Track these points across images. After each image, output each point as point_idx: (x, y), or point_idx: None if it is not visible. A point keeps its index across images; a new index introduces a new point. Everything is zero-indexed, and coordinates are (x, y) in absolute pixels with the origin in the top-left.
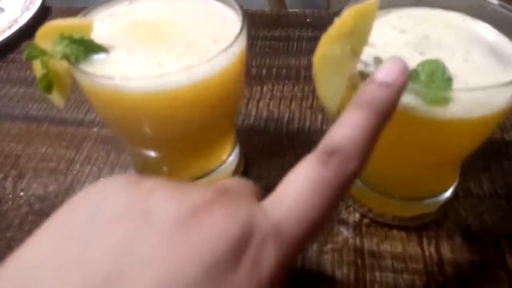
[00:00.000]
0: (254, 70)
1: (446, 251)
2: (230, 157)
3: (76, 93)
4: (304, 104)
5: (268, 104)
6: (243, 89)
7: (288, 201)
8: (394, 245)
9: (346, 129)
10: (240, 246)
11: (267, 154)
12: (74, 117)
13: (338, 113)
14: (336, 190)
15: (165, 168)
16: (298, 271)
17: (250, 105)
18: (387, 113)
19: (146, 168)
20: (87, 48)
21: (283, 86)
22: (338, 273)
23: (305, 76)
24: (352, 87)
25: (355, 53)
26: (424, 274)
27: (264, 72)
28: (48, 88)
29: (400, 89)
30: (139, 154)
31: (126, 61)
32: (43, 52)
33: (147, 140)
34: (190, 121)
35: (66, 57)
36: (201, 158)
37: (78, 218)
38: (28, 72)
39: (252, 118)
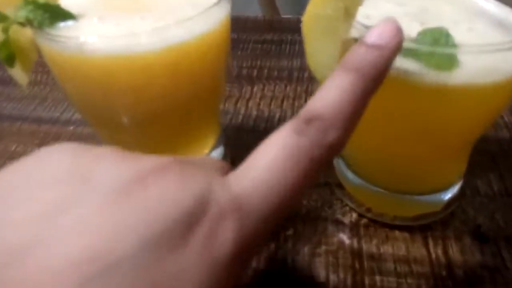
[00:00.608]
0: (244, 71)
1: (454, 253)
2: (212, 153)
3: (54, 92)
4: (297, 103)
5: (258, 104)
6: (226, 68)
7: (255, 172)
8: (397, 246)
9: (328, 95)
10: (191, 220)
11: None
12: (49, 116)
13: None
14: (313, 162)
15: None
16: (287, 275)
17: (239, 104)
18: (377, 79)
19: None
20: (53, 14)
21: (275, 86)
22: (333, 277)
23: (298, 77)
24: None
25: (349, 13)
26: (431, 278)
27: (255, 72)
28: (10, 59)
29: (393, 53)
30: (111, 144)
31: (96, 28)
32: (4, 17)
33: (117, 122)
34: (165, 95)
35: (29, 21)
36: (179, 149)
37: (13, 180)
38: (7, 73)
39: (240, 117)
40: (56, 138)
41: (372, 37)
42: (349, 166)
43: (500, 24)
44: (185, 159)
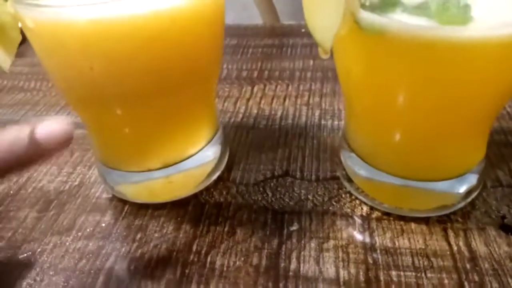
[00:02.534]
0: (244, 73)
1: (478, 245)
2: (209, 145)
3: (47, 98)
4: (299, 101)
5: (259, 103)
6: (221, 44)
7: None
8: (413, 239)
9: None
10: None
11: (257, 149)
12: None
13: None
14: None
15: (131, 152)
16: (292, 271)
17: (238, 104)
18: (22, 166)
19: (110, 156)
20: None
21: (276, 86)
22: (343, 273)
23: (300, 77)
24: (350, 14)
25: None
26: (454, 271)
27: (255, 74)
28: None
29: (47, 157)
30: (101, 134)
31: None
32: None
33: (104, 102)
34: (153, 69)
35: None
36: (172, 137)
37: None
38: (0, 80)
39: (240, 115)
40: None
41: (40, 133)
42: (359, 156)
43: None
44: None
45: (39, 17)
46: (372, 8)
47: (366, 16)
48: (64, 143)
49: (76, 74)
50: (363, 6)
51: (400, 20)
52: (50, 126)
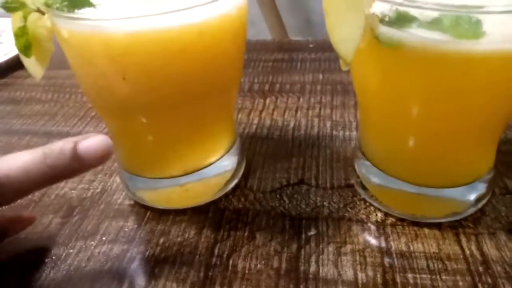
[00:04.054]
0: (256, 86)
1: (489, 249)
2: (228, 154)
3: (65, 108)
4: (310, 113)
5: (272, 114)
6: (242, 57)
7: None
8: (427, 244)
9: (17, 168)
10: None
11: (272, 158)
12: (59, 130)
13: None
14: None
15: (154, 159)
16: (312, 274)
17: (252, 115)
18: (64, 177)
19: (133, 162)
20: (73, 1)
21: (288, 98)
22: (361, 276)
23: (310, 90)
24: (370, 29)
25: None
26: (467, 274)
27: (266, 87)
28: (26, 49)
29: (88, 170)
30: (126, 141)
31: (114, 10)
32: (22, 4)
33: (132, 109)
34: (181, 79)
35: (47, 6)
36: (194, 145)
37: None
38: (18, 92)
39: (254, 126)
40: None
41: (83, 147)
42: (374, 164)
43: None
44: None
45: (76, 30)
46: (390, 24)
47: (385, 31)
48: (103, 157)
49: (109, 83)
50: (381, 21)
51: (416, 34)
52: (91, 142)
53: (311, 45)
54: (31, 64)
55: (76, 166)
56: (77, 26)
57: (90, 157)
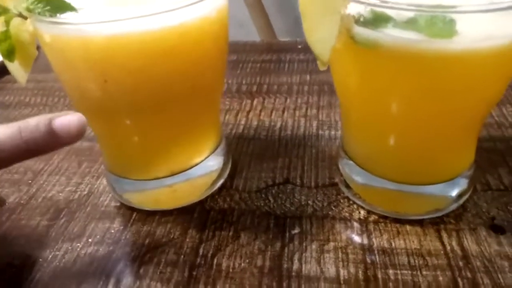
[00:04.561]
0: (244, 87)
1: (470, 244)
2: (213, 155)
3: (53, 111)
4: (297, 113)
5: (259, 115)
6: (225, 58)
7: None
8: (409, 240)
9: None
10: None
11: (258, 158)
12: None
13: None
14: None
15: (140, 161)
16: (295, 272)
17: (239, 116)
18: (37, 152)
19: (119, 165)
20: (54, 6)
21: (275, 99)
22: (343, 272)
23: (298, 90)
24: (346, 30)
25: None
26: (447, 269)
27: (254, 88)
28: (10, 53)
29: (61, 146)
30: (111, 143)
31: (95, 14)
32: (5, 10)
33: (116, 112)
34: (163, 81)
35: (29, 11)
36: (180, 146)
37: None
38: (7, 97)
39: (241, 127)
40: (54, 152)
41: (58, 124)
42: (356, 163)
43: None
44: None
45: (58, 34)
46: (366, 24)
47: (360, 31)
48: (78, 135)
49: (91, 86)
50: (357, 22)
51: (391, 34)
52: (66, 119)
53: (299, 46)
54: (15, 69)
55: (50, 141)
56: (58, 31)
57: (64, 133)
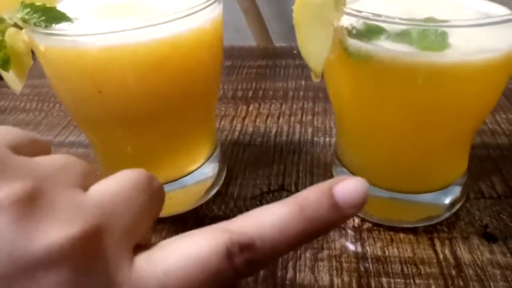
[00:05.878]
0: (239, 93)
1: (463, 252)
2: (208, 162)
3: (49, 118)
4: (292, 119)
5: (254, 121)
6: (220, 67)
7: (169, 266)
8: (402, 248)
9: (272, 227)
10: None
11: (253, 165)
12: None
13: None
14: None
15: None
16: (289, 280)
17: (234, 122)
18: (320, 233)
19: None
20: (49, 17)
21: (270, 105)
22: (337, 281)
23: (293, 96)
24: (338, 42)
25: (339, 1)
26: (440, 277)
27: (250, 93)
28: (5, 63)
29: (348, 218)
30: (106, 152)
31: (90, 25)
32: (0, 20)
33: (111, 122)
34: (156, 92)
35: (24, 21)
36: (175, 154)
37: None
38: (3, 102)
39: (236, 133)
40: None
41: (340, 196)
42: (350, 171)
43: (487, 15)
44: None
45: (52, 45)
46: (358, 36)
47: (353, 43)
48: (361, 205)
49: (85, 96)
50: (350, 34)
51: (384, 46)
52: (349, 187)
53: (295, 51)
54: (10, 78)
55: (333, 217)
56: (53, 42)
57: (348, 205)
